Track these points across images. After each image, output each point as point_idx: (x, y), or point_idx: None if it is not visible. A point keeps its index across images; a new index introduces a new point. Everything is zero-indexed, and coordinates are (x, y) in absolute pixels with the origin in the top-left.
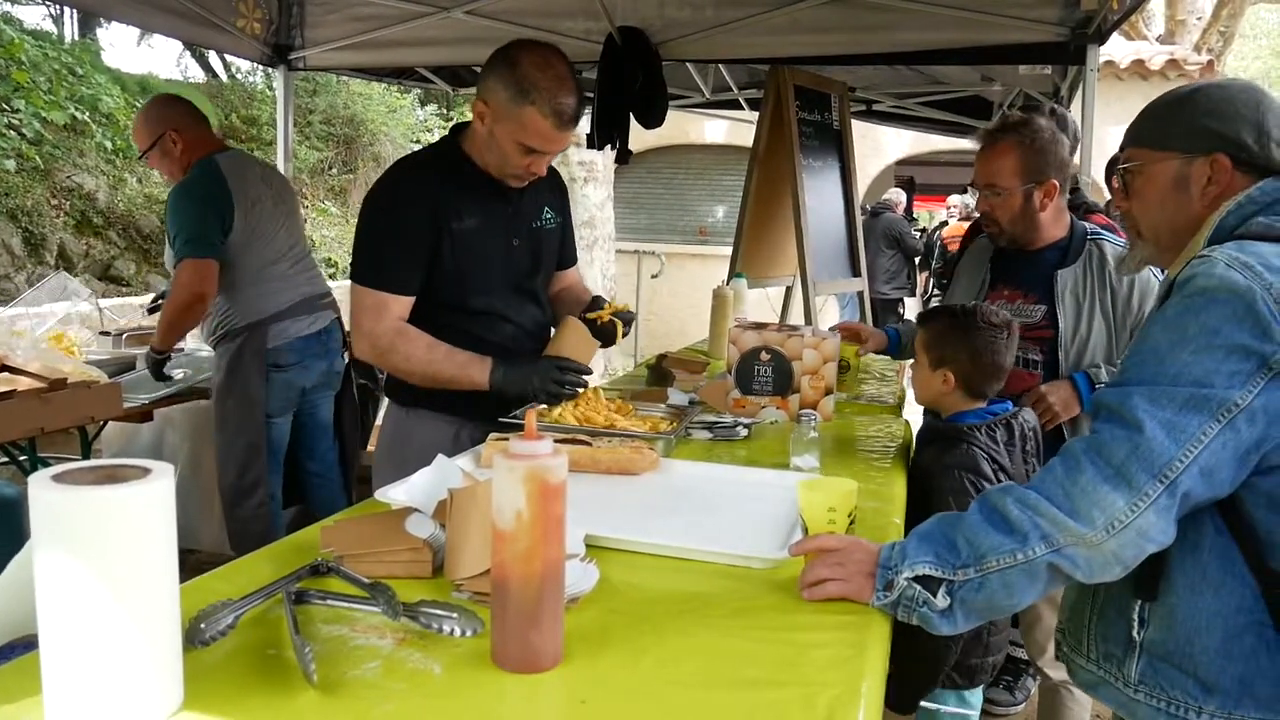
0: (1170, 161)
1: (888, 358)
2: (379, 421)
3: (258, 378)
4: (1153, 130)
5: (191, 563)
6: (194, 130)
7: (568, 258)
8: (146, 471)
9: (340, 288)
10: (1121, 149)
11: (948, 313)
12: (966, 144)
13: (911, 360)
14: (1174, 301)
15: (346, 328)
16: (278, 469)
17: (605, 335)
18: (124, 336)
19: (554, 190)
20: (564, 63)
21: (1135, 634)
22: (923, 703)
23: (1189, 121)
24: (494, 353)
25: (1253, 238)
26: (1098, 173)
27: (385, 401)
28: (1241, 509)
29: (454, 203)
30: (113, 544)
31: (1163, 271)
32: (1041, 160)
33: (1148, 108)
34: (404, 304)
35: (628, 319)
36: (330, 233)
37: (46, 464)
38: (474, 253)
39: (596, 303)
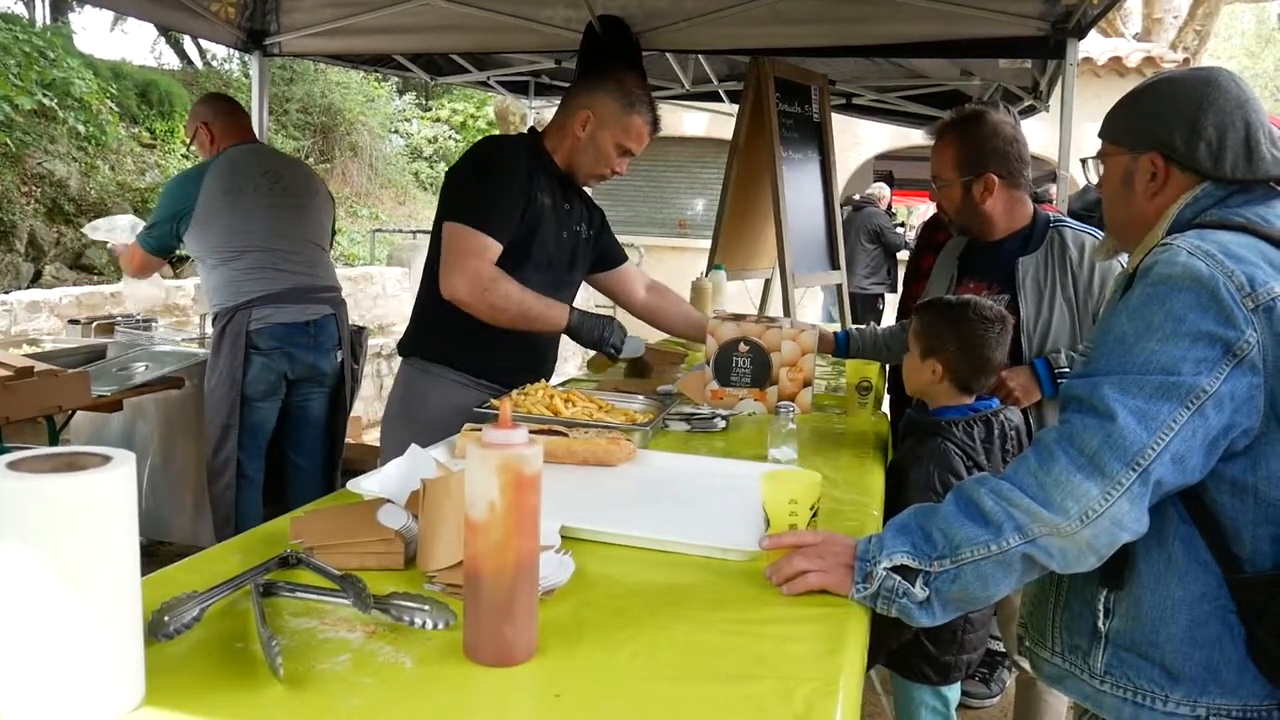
0: (1121, 157)
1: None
2: (354, 413)
3: (237, 359)
4: (1110, 124)
5: (162, 555)
6: (223, 123)
7: (616, 256)
8: (107, 459)
9: None
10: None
11: (941, 304)
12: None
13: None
14: (1138, 290)
15: (351, 325)
16: (258, 453)
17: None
18: (93, 325)
19: (592, 211)
20: (647, 84)
21: (1100, 624)
22: (901, 695)
23: (1135, 119)
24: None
25: (1209, 227)
26: (1075, 167)
27: (397, 364)
28: (1204, 496)
29: (538, 177)
30: (70, 534)
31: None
32: (977, 154)
33: (1119, 99)
34: (498, 251)
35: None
36: None
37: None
38: (541, 230)
39: None
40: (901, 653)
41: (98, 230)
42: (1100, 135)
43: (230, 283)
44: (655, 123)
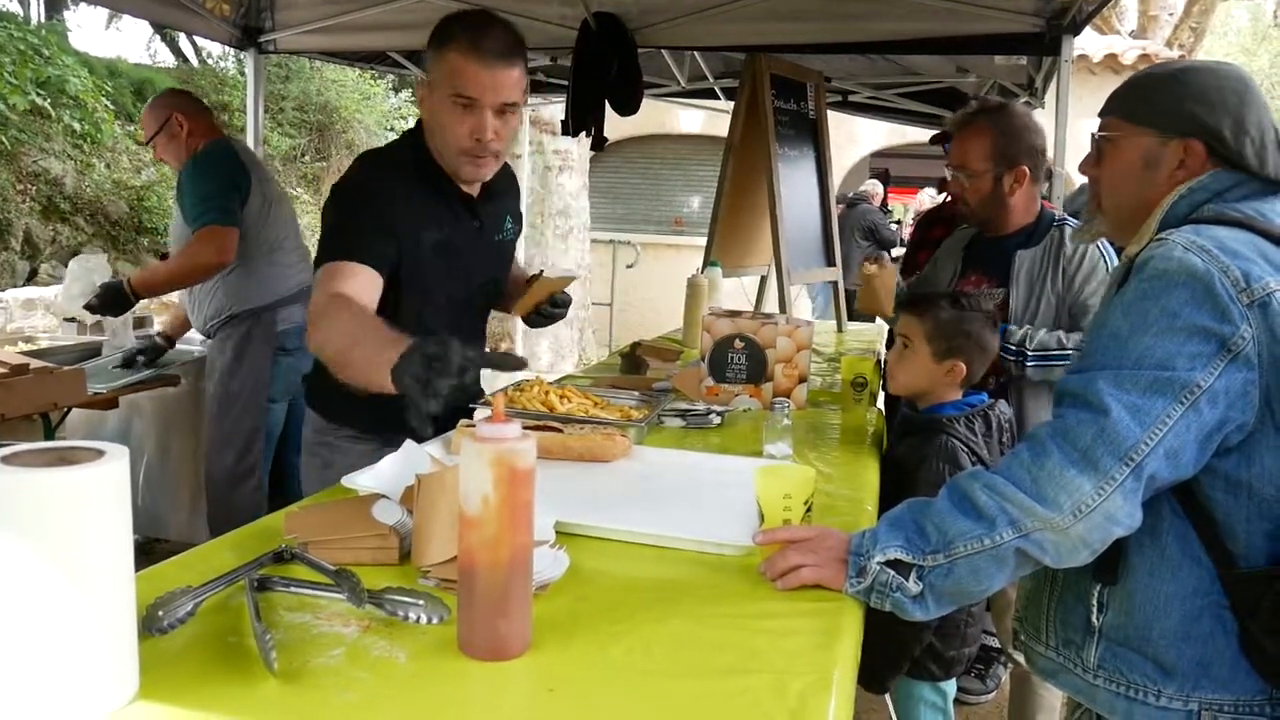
0: (1145, 138)
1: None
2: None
3: (266, 360)
4: (1136, 103)
5: (159, 552)
6: (199, 118)
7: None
8: (100, 454)
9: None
10: (1101, 114)
11: (949, 301)
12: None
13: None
14: (1133, 285)
15: None
16: (271, 455)
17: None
18: (89, 323)
19: (513, 195)
20: (486, 14)
21: (1094, 619)
22: (900, 692)
23: (1174, 102)
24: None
25: (1205, 222)
26: (1071, 164)
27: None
28: (1198, 491)
29: (427, 209)
30: (64, 528)
31: (1114, 250)
32: (1013, 145)
33: (1137, 79)
34: (367, 278)
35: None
36: (303, 220)
37: None
38: (452, 269)
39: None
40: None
41: (74, 296)
42: (1118, 113)
43: (250, 283)
44: (481, 46)
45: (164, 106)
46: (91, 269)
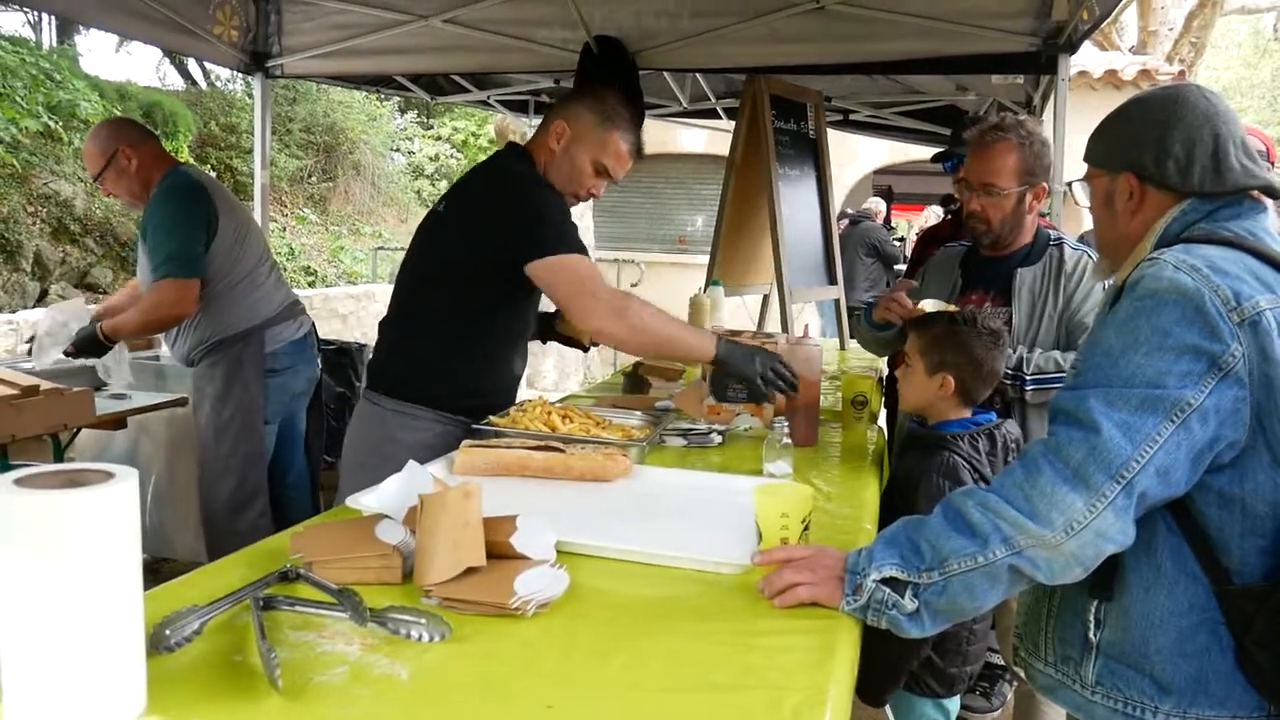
0: (1102, 178)
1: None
2: None
3: (257, 384)
4: (1090, 147)
5: (166, 571)
6: (147, 147)
7: None
8: (110, 476)
9: (319, 295)
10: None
11: (946, 318)
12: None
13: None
14: (1124, 304)
15: (352, 342)
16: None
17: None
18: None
19: None
20: (635, 105)
21: (1091, 635)
22: (902, 708)
23: (1110, 140)
24: (483, 348)
25: (1196, 241)
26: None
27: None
28: (1191, 508)
29: None
30: (74, 548)
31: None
32: (1038, 163)
33: (1101, 122)
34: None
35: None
36: (309, 240)
37: None
38: None
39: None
40: None
41: (46, 348)
42: (1084, 159)
43: (236, 308)
44: (636, 145)
45: (108, 139)
46: (66, 318)
